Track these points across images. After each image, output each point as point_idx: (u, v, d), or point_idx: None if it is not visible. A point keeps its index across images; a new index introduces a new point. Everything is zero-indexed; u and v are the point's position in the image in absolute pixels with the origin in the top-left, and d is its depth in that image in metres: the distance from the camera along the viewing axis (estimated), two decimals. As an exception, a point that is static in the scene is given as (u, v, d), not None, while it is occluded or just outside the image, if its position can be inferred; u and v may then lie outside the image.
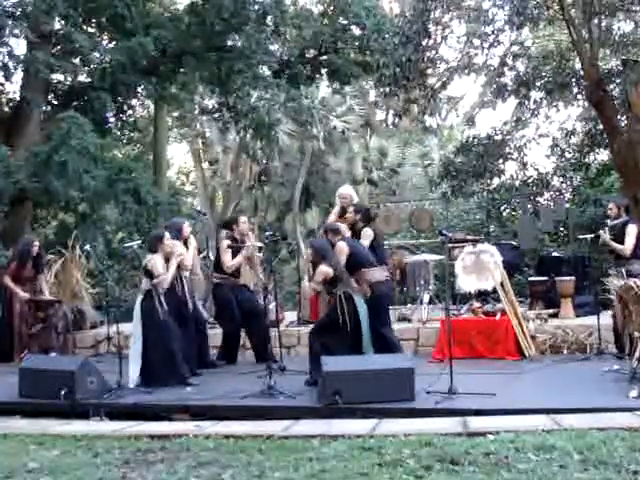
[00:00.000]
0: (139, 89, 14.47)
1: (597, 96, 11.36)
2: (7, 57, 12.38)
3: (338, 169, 21.73)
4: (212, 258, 9.46)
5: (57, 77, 13.91)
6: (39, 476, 4.30)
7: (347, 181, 18.19)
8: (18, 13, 12.23)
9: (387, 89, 13.43)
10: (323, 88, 20.39)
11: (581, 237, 9.57)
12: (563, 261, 10.61)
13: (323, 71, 15.45)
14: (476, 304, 8.95)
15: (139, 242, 9.67)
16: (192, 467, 4.36)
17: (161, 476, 4.22)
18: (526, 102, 14.28)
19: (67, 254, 10.98)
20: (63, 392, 6.59)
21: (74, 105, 13.30)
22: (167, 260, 7.67)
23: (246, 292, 8.75)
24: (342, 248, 7.44)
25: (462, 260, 9.05)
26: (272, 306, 8.62)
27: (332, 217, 8.74)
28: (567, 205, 12.68)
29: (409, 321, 9.71)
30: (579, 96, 14.18)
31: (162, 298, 7.46)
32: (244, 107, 13.91)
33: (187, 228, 8.51)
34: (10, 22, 12.08)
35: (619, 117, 11.85)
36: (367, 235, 7.90)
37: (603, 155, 14.78)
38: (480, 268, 8.89)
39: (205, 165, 24.80)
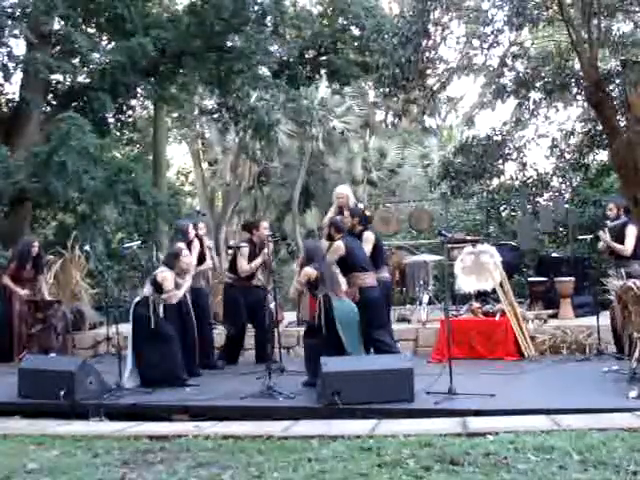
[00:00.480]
0: (139, 90, 14.49)
1: (596, 97, 11.35)
2: (7, 57, 12.40)
3: (337, 169, 21.73)
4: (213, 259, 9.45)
5: (57, 77, 13.91)
6: (38, 476, 4.30)
7: (347, 181, 18.19)
8: (18, 13, 12.25)
9: (386, 89, 13.43)
10: (322, 88, 20.40)
11: (580, 238, 9.59)
12: (562, 261, 10.62)
13: (322, 71, 15.49)
14: (475, 304, 8.95)
15: (138, 242, 9.70)
16: (192, 467, 4.36)
17: (161, 476, 4.22)
18: (525, 103, 14.28)
19: (67, 254, 10.98)
20: (62, 392, 6.59)
21: (74, 105, 13.32)
22: (181, 275, 7.72)
23: (258, 293, 8.69)
24: (338, 247, 7.45)
25: (461, 261, 9.05)
26: (272, 306, 8.61)
27: (329, 216, 8.78)
28: (566, 206, 12.68)
29: (408, 322, 9.71)
30: (578, 97, 14.18)
31: (158, 308, 7.46)
32: (243, 107, 13.94)
33: (192, 230, 8.50)
34: (10, 22, 12.09)
35: (618, 118, 11.84)
36: (369, 240, 7.87)
37: (602, 156, 14.78)
38: (479, 269, 8.89)
39: (205, 165, 24.81)
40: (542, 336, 8.70)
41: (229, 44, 13.95)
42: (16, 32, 12.29)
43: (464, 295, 9.28)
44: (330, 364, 6.32)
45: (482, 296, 9.17)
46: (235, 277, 8.58)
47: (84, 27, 13.78)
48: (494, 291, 8.85)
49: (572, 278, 9.85)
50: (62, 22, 13.19)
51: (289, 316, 10.58)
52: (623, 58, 12.31)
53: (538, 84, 13.69)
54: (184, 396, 6.92)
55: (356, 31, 14.61)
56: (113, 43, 14.07)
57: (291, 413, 6.07)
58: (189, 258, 7.91)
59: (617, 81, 12.30)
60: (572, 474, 3.90)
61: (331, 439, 4.91)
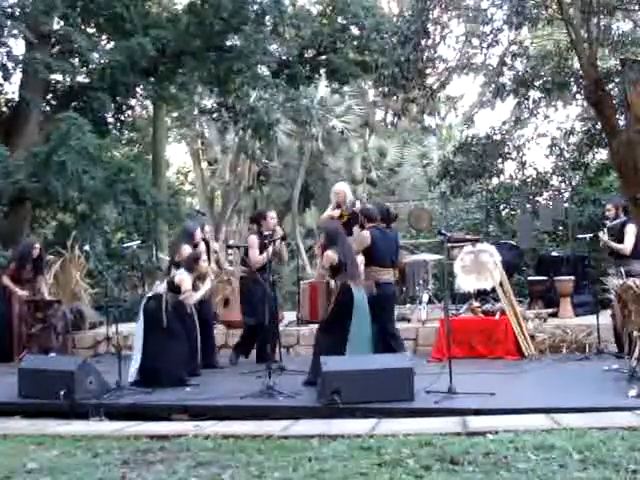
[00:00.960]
0: (138, 89, 14.48)
1: (596, 96, 11.35)
2: (6, 57, 12.41)
3: (337, 169, 21.75)
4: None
5: (56, 77, 13.92)
6: (38, 476, 4.30)
7: (346, 181, 18.19)
8: (17, 13, 12.25)
9: (386, 89, 13.42)
10: (322, 88, 20.41)
11: (580, 237, 9.57)
12: (562, 260, 10.61)
13: (322, 71, 15.47)
14: (475, 304, 8.95)
15: (138, 242, 9.69)
16: (191, 467, 4.36)
17: (161, 476, 4.22)
18: (525, 102, 14.28)
19: (66, 254, 10.99)
20: (62, 392, 6.58)
21: (73, 105, 13.32)
22: (199, 279, 7.73)
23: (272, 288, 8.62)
24: (364, 238, 7.38)
25: (461, 260, 9.05)
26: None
27: (327, 213, 8.84)
28: (566, 204, 12.67)
29: (408, 321, 9.71)
30: (578, 96, 14.18)
31: (170, 306, 7.47)
32: (243, 107, 13.94)
33: (199, 233, 8.50)
34: (9, 22, 12.09)
35: (618, 117, 11.84)
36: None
37: (602, 155, 14.76)
38: (479, 268, 8.89)
39: (204, 165, 24.83)
40: (542, 335, 8.70)
41: (228, 44, 13.95)
42: (15, 32, 12.30)
43: (464, 294, 9.28)
44: (330, 363, 6.32)
45: (482, 295, 9.17)
46: (248, 270, 8.54)
47: (83, 27, 13.78)
48: (494, 290, 8.84)
49: (572, 277, 9.85)
50: (61, 22, 13.19)
51: (289, 315, 10.58)
52: (622, 57, 12.29)
53: (537, 83, 13.69)
54: (184, 396, 6.92)
55: (355, 30, 14.60)
56: (112, 43, 14.07)
57: (291, 412, 6.07)
58: (207, 262, 7.91)
59: (616, 80, 12.29)
60: (572, 473, 3.90)
61: (331, 438, 4.91)
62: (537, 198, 14.22)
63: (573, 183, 14.67)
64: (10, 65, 12.48)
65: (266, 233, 8.03)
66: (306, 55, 15.26)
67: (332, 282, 7.24)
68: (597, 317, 8.22)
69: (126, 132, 17.23)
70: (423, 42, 12.68)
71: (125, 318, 10.52)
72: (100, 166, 12.05)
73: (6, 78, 12.77)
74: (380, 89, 13.99)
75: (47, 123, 12.93)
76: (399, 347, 7.45)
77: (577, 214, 12.53)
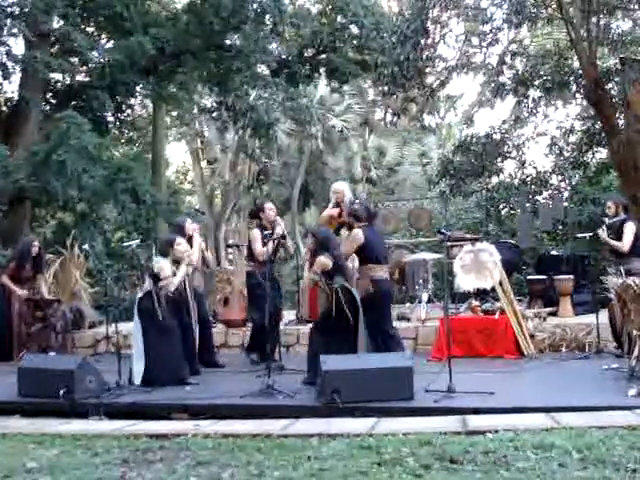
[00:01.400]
0: (138, 88, 14.48)
1: (596, 95, 11.35)
2: (5, 56, 12.40)
3: (337, 168, 21.74)
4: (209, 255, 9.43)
5: (56, 76, 13.93)
6: (38, 476, 4.30)
7: (346, 180, 18.18)
8: (17, 12, 12.24)
9: (386, 88, 13.42)
10: (322, 87, 20.41)
11: (580, 236, 9.57)
12: (562, 260, 10.60)
13: (321, 70, 15.48)
14: (475, 303, 8.95)
15: (138, 241, 9.68)
16: (191, 466, 4.36)
17: (160, 475, 4.22)
18: (525, 101, 14.29)
19: (66, 253, 10.98)
20: (62, 391, 6.58)
21: (73, 104, 13.31)
22: (177, 263, 7.69)
23: (275, 284, 8.52)
24: (357, 237, 7.36)
25: (461, 259, 9.05)
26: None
27: (327, 212, 8.85)
28: (566, 204, 12.68)
29: (408, 320, 9.71)
30: (577, 95, 14.19)
31: (162, 300, 7.46)
32: (243, 106, 13.93)
33: (189, 226, 8.49)
34: (8, 21, 12.08)
35: (618, 116, 11.85)
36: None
37: (602, 154, 14.77)
38: (479, 267, 8.88)
39: (204, 164, 24.82)
40: (541, 334, 8.70)
41: (228, 43, 13.95)
42: (15, 31, 12.29)
43: (463, 293, 9.27)
44: (330, 362, 6.31)
45: (481, 294, 9.16)
46: (254, 264, 8.50)
47: (83, 26, 13.79)
48: (493, 289, 8.84)
49: (571, 276, 9.85)
50: (61, 21, 13.18)
51: (288, 314, 10.58)
52: (622, 56, 12.29)
53: (537, 82, 13.69)
54: (184, 395, 6.91)
55: (355, 29, 14.59)
56: (112, 42, 14.08)
57: (291, 412, 6.07)
58: (183, 246, 7.87)
59: (616, 79, 12.29)
60: (572, 472, 3.91)
61: (331, 437, 4.91)
62: (537, 197, 14.22)
63: (573, 182, 14.67)
64: (10, 64, 12.47)
65: (266, 232, 8.02)
66: (306, 54, 15.26)
67: (325, 287, 7.23)
68: (597, 316, 8.22)
69: (126, 131, 17.23)
70: (423, 41, 12.67)
71: (125, 317, 10.51)
72: (100, 165, 12.05)
73: (6, 77, 12.76)
74: (380, 88, 14.02)
75: (47, 122, 12.93)
76: (397, 346, 7.43)
77: (577, 213, 12.53)
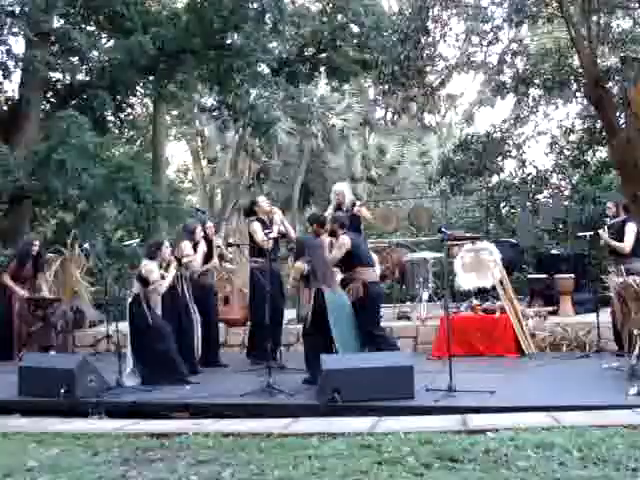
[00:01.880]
0: (138, 87, 14.49)
1: (596, 94, 11.36)
2: (6, 55, 12.39)
3: (337, 167, 21.73)
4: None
5: (56, 75, 13.93)
6: (38, 475, 4.30)
7: (346, 179, 18.18)
8: (17, 11, 12.23)
9: (386, 87, 13.45)
10: (322, 86, 20.38)
11: (580, 235, 9.56)
12: (562, 258, 10.61)
13: (322, 69, 15.48)
14: (475, 302, 8.95)
15: (138, 240, 9.69)
16: (192, 465, 4.36)
17: (161, 474, 4.22)
18: (525, 100, 14.30)
19: (66, 253, 10.97)
20: (62, 390, 6.59)
21: (73, 104, 13.31)
22: (163, 266, 7.70)
23: (277, 282, 8.49)
24: (344, 242, 7.39)
25: (461, 258, 9.06)
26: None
27: (328, 212, 8.85)
28: (566, 203, 12.70)
29: (408, 319, 9.71)
30: (578, 93, 14.18)
31: (152, 303, 7.47)
32: (243, 105, 13.91)
33: (199, 231, 8.48)
34: (9, 20, 12.08)
35: (618, 114, 11.85)
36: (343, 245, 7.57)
37: (602, 152, 14.79)
38: (479, 266, 8.89)
39: (204, 163, 24.81)
40: (542, 333, 8.70)
41: (228, 42, 13.94)
42: (15, 30, 12.29)
43: (464, 292, 9.28)
44: (330, 361, 6.32)
45: (482, 293, 9.17)
46: (259, 259, 8.44)
47: (83, 25, 13.78)
48: (494, 288, 8.85)
49: (572, 275, 9.84)
50: (61, 20, 13.18)
51: (289, 313, 10.56)
52: (623, 55, 12.31)
53: (537, 81, 13.70)
54: (184, 394, 6.92)
55: (355, 28, 14.59)
56: (112, 41, 14.07)
57: (291, 411, 6.07)
58: (169, 250, 7.88)
59: (617, 78, 12.29)
60: (572, 471, 3.91)
61: (331, 436, 4.91)
62: (537, 196, 14.25)
63: (573, 181, 14.69)
64: (10, 63, 12.48)
65: (266, 231, 8.01)
66: (306, 53, 15.26)
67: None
68: (597, 315, 8.21)
69: (126, 130, 17.22)
70: (423, 40, 12.70)
71: (125, 316, 10.51)
72: (100, 164, 12.06)
73: (6, 76, 12.76)
74: (380, 87, 14.05)
75: (47, 121, 12.93)
76: (390, 347, 7.42)
77: (577, 212, 12.54)
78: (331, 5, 15.02)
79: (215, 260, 8.77)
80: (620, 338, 7.54)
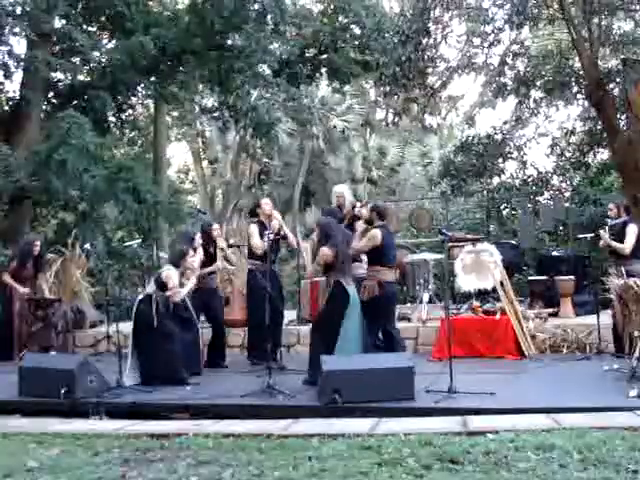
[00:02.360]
0: (139, 88, 14.48)
1: (597, 95, 11.36)
2: (7, 56, 12.40)
3: (338, 168, 21.73)
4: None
5: (57, 76, 13.92)
6: (39, 475, 4.30)
7: (347, 180, 18.19)
8: (18, 11, 12.23)
9: (387, 88, 13.47)
10: (323, 87, 20.39)
11: (581, 236, 9.57)
12: (563, 260, 10.61)
13: (323, 70, 15.46)
14: (476, 303, 8.95)
15: (139, 241, 9.69)
16: (192, 466, 4.36)
17: (161, 475, 4.22)
18: (526, 101, 14.31)
19: (67, 253, 10.98)
20: (63, 391, 6.59)
21: (74, 104, 13.30)
22: (184, 275, 7.75)
23: (276, 283, 8.47)
24: (376, 236, 7.24)
25: (462, 259, 9.05)
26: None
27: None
28: (567, 204, 12.69)
29: (409, 320, 9.71)
30: (579, 95, 14.20)
31: (161, 306, 7.46)
32: (244, 106, 13.91)
33: (198, 239, 8.48)
34: (10, 20, 12.07)
35: (619, 116, 11.86)
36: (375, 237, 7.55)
37: (603, 154, 14.80)
38: (480, 267, 8.89)
39: (205, 164, 24.83)
40: (542, 335, 8.70)
41: (229, 43, 13.94)
42: (17, 30, 12.29)
43: (464, 294, 9.28)
44: (330, 362, 6.32)
45: (482, 295, 9.17)
46: (255, 262, 8.44)
47: (85, 25, 13.78)
48: (494, 290, 8.85)
49: (572, 277, 9.85)
50: (63, 20, 13.19)
51: (289, 314, 10.57)
52: (623, 57, 12.31)
53: (538, 83, 13.71)
54: (185, 394, 6.92)
55: (356, 30, 14.59)
56: (114, 42, 14.07)
57: (291, 412, 6.07)
58: (195, 258, 7.92)
59: (617, 80, 12.30)
60: (572, 473, 3.90)
61: (331, 438, 4.91)
62: (538, 198, 14.25)
63: (574, 183, 14.70)
64: (11, 63, 12.48)
65: (267, 232, 8.01)
66: (307, 54, 15.25)
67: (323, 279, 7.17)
68: (597, 317, 8.21)
69: (127, 131, 17.22)
70: (424, 41, 12.71)
71: (125, 317, 10.49)
72: (101, 165, 12.05)
73: (7, 76, 12.78)
74: (381, 88, 14.07)
75: (48, 122, 12.93)
76: (398, 347, 7.43)
77: (578, 214, 12.55)
78: (332, 6, 15.03)
79: (218, 263, 8.77)
80: (621, 340, 7.53)
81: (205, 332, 8.49)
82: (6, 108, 13.86)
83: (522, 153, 14.62)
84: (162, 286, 7.51)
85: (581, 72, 12.47)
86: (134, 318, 7.53)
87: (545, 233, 13.44)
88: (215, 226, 8.93)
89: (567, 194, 14.38)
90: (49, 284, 10.27)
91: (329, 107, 21.31)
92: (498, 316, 8.64)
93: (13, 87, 13.85)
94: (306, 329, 9.34)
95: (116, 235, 15.57)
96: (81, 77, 14.04)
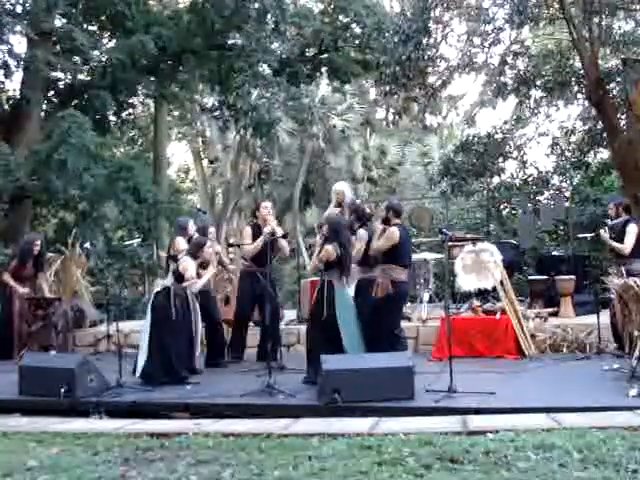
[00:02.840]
0: (139, 87, 14.49)
1: (597, 95, 11.36)
2: (7, 55, 12.40)
3: (338, 167, 21.75)
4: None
5: (57, 75, 13.93)
6: (39, 474, 4.29)
7: (347, 179, 18.17)
8: (18, 11, 12.24)
9: (387, 88, 13.45)
10: (323, 86, 20.41)
11: (581, 236, 9.57)
12: (563, 260, 10.61)
13: (323, 69, 15.48)
14: (476, 303, 8.95)
15: (139, 240, 9.69)
16: (192, 465, 4.36)
17: (161, 474, 4.22)
18: (526, 101, 14.31)
19: (67, 252, 10.98)
20: (63, 390, 6.59)
21: (74, 103, 13.32)
22: (203, 266, 7.71)
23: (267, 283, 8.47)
24: (394, 235, 7.16)
25: (462, 259, 9.05)
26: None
27: (328, 212, 8.87)
28: (567, 204, 12.68)
29: (409, 320, 9.70)
30: (579, 95, 14.21)
31: (178, 299, 7.45)
32: (244, 106, 13.92)
33: (192, 226, 8.49)
34: (10, 20, 12.07)
35: (619, 116, 11.86)
36: (361, 238, 7.53)
37: (603, 154, 14.80)
38: (480, 267, 8.88)
39: (205, 163, 24.84)
40: (542, 334, 8.69)
41: (230, 42, 13.96)
42: (17, 29, 12.30)
43: (464, 293, 9.27)
44: (330, 362, 6.31)
45: (482, 294, 9.16)
46: (247, 264, 8.49)
47: (85, 25, 13.79)
48: (494, 289, 8.84)
49: (572, 276, 9.84)
50: (63, 20, 13.19)
51: (289, 314, 10.58)
52: (624, 56, 12.29)
53: (539, 82, 13.71)
54: (185, 394, 6.92)
55: (357, 29, 14.61)
56: (114, 41, 14.08)
57: (291, 411, 6.07)
58: (210, 250, 7.87)
59: (618, 79, 12.30)
60: (572, 472, 3.90)
61: (331, 437, 4.91)
62: (538, 197, 14.24)
63: (574, 182, 14.69)
64: (12, 63, 12.49)
65: (267, 232, 8.01)
66: (307, 54, 15.27)
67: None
68: (598, 316, 8.20)
69: (127, 130, 17.24)
70: (424, 41, 12.69)
71: (125, 316, 10.53)
72: (101, 164, 12.06)
73: (7, 76, 12.79)
74: (381, 88, 14.04)
75: (48, 121, 12.94)
76: (401, 346, 7.42)
77: (578, 213, 12.55)
78: (333, 6, 15.03)
79: (211, 268, 8.75)
80: (621, 339, 7.54)
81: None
82: (6, 107, 13.87)
83: (522, 153, 14.62)
84: (179, 278, 7.49)
85: (581, 72, 12.47)
86: (150, 311, 7.50)
87: (545, 233, 13.43)
88: (211, 229, 8.91)
89: (567, 194, 14.35)
90: (49, 283, 10.27)
91: (329, 106, 21.32)
92: (498, 316, 8.64)
93: (13, 86, 13.90)
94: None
95: (116, 234, 15.58)
96: (81, 76, 14.05)
